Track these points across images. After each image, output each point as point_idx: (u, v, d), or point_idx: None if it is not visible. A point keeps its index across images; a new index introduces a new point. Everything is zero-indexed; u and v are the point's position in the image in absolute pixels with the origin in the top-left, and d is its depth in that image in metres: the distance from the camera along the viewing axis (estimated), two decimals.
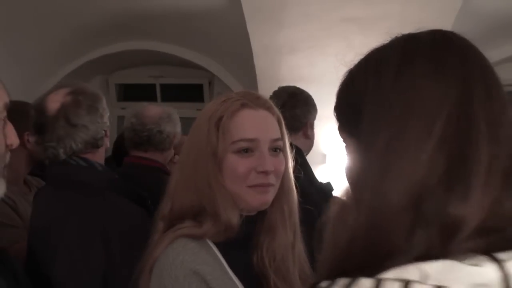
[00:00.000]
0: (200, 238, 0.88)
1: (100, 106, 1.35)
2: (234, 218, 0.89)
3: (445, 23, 2.99)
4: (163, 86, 4.84)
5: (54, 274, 1.20)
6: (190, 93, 4.85)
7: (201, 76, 4.63)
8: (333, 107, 0.65)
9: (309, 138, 2.03)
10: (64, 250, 1.19)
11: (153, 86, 4.80)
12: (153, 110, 1.93)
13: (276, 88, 2.11)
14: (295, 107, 1.95)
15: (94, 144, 1.31)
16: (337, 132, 0.64)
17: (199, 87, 4.79)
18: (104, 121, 1.34)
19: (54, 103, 1.31)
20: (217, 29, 3.60)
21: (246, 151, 0.91)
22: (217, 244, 0.89)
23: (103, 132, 1.34)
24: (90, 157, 1.31)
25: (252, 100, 0.96)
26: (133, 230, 1.16)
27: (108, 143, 1.40)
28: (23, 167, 1.74)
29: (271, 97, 1.60)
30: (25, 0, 3.21)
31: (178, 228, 0.89)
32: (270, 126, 0.96)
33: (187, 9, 3.39)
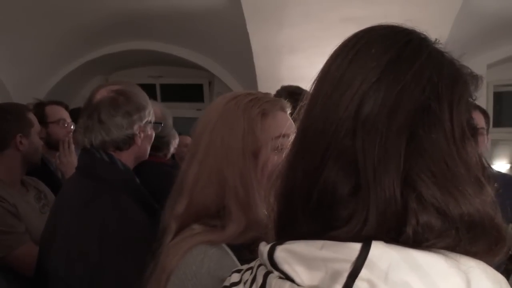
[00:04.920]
0: (218, 244, 0.82)
1: (137, 116, 1.33)
2: (265, 216, 0.82)
3: (445, 23, 2.99)
4: (163, 86, 4.84)
5: (50, 258, 1.23)
6: (190, 93, 4.85)
7: (201, 76, 4.63)
8: None
9: None
10: (63, 237, 1.20)
11: (153, 86, 4.80)
12: None
13: (276, 88, 2.12)
14: (294, 107, 1.96)
15: (115, 146, 1.30)
16: None
17: (199, 87, 4.79)
18: (134, 130, 1.31)
19: (99, 95, 1.32)
20: (217, 29, 3.61)
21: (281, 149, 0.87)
22: (230, 247, 0.83)
23: (127, 139, 1.31)
24: (116, 155, 1.31)
25: (282, 104, 0.96)
26: (126, 237, 1.15)
27: (141, 150, 1.38)
28: (18, 169, 1.75)
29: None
30: (26, 0, 3.22)
31: (192, 234, 0.82)
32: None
33: (187, 9, 3.40)
